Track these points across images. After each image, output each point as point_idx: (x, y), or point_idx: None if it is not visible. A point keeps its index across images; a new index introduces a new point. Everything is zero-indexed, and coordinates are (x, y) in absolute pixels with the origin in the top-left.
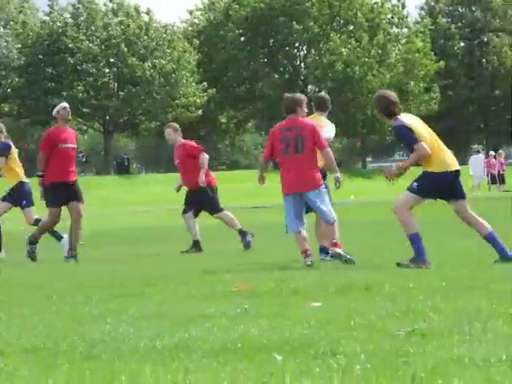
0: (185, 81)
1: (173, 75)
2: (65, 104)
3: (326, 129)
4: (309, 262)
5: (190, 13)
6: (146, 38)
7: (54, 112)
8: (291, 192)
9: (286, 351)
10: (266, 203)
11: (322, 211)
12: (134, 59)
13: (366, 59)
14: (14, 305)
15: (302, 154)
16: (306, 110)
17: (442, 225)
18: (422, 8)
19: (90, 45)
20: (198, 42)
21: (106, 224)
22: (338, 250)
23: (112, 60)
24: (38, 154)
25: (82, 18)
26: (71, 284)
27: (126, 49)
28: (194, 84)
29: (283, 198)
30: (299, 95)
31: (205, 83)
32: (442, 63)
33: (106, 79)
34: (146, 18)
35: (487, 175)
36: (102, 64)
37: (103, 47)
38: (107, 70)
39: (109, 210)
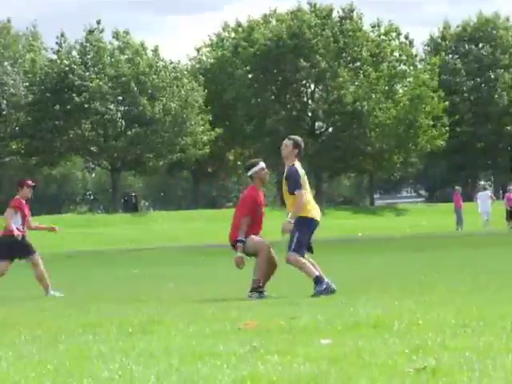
0: (193, 121)
1: (180, 114)
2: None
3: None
4: None
5: (198, 50)
6: (154, 76)
7: (252, 172)
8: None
9: None
10: (275, 238)
11: None
12: (144, 99)
13: (373, 94)
14: (22, 343)
15: None
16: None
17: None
18: (427, 44)
19: (100, 83)
20: (203, 79)
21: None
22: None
23: (120, 98)
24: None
25: (90, 56)
26: (79, 322)
27: (135, 88)
28: (201, 122)
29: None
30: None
31: (208, 122)
32: (446, 103)
33: (113, 117)
34: (151, 55)
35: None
36: (110, 102)
37: (112, 85)
38: (114, 108)
39: (116, 246)
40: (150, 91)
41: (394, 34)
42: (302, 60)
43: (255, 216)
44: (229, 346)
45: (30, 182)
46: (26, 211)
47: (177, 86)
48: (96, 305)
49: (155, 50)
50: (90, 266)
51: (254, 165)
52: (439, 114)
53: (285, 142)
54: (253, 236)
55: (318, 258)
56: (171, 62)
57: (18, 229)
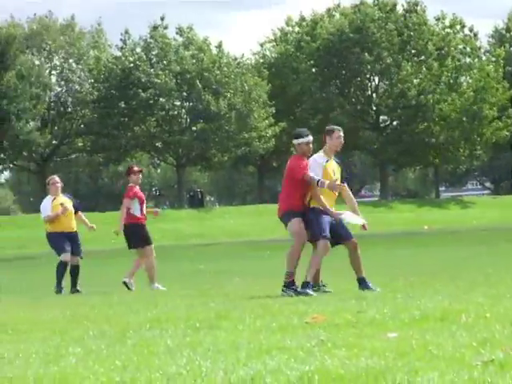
0: (257, 116)
1: (244, 109)
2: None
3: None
4: None
5: (261, 45)
6: (218, 72)
7: (298, 141)
8: None
9: (363, 382)
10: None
11: None
12: (209, 95)
13: (438, 87)
14: (90, 339)
15: None
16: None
17: None
18: (492, 36)
19: (166, 79)
20: (267, 73)
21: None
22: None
23: (185, 94)
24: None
25: (154, 53)
26: (146, 317)
27: (199, 84)
28: (265, 116)
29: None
30: None
31: (272, 116)
32: (511, 92)
33: (178, 113)
34: (215, 50)
35: None
36: (175, 98)
37: (176, 81)
38: (179, 104)
39: (182, 241)
40: (214, 87)
41: (458, 27)
42: (366, 54)
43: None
44: (296, 341)
45: (135, 168)
46: (143, 197)
47: (240, 81)
48: (163, 300)
49: (219, 46)
50: (157, 260)
51: (301, 135)
52: (504, 105)
53: (341, 133)
54: (299, 219)
55: (385, 252)
56: (235, 58)
57: (137, 216)
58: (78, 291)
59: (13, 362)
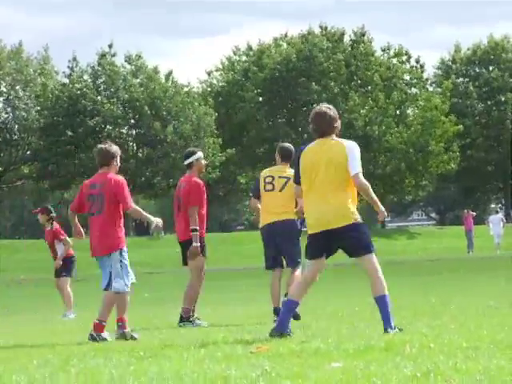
0: (206, 144)
1: (193, 137)
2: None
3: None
4: None
5: (209, 74)
6: (167, 101)
7: (192, 159)
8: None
9: None
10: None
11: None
12: (157, 123)
13: (384, 118)
14: (34, 367)
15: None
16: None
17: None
18: (438, 68)
19: (112, 107)
20: (213, 102)
21: None
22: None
23: (132, 121)
24: (191, 209)
25: (102, 80)
26: (90, 346)
27: (149, 112)
28: (212, 145)
29: None
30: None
31: (219, 145)
32: (460, 127)
33: (124, 140)
34: (164, 79)
35: None
36: (122, 126)
37: (124, 109)
38: (125, 131)
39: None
40: (163, 115)
41: (404, 58)
42: (313, 83)
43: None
44: (240, 370)
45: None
46: None
47: (189, 109)
48: (108, 328)
49: (169, 75)
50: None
51: (192, 153)
52: (451, 138)
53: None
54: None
55: (331, 281)
56: (183, 87)
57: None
58: None
59: None
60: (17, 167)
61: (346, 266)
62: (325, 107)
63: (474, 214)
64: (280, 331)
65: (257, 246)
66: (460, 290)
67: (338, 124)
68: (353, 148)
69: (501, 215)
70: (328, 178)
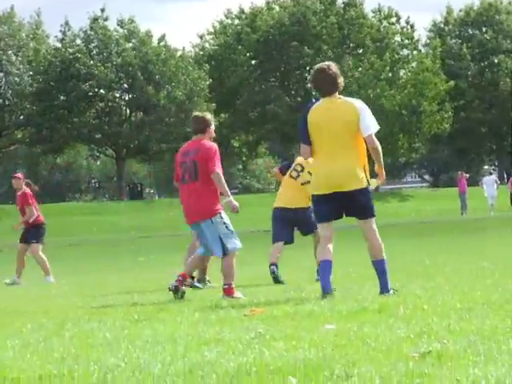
0: (199, 107)
1: (186, 102)
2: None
3: None
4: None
5: (201, 37)
6: (161, 65)
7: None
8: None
9: (300, 374)
10: None
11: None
12: (150, 87)
13: (378, 82)
14: (28, 331)
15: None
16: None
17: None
18: (430, 30)
19: (106, 71)
20: (208, 66)
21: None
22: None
23: (125, 86)
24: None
25: (94, 44)
26: (84, 310)
27: (141, 76)
28: (206, 109)
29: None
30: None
31: (213, 111)
32: (451, 83)
33: (118, 104)
34: (157, 43)
35: None
36: (115, 90)
37: (117, 73)
38: (118, 96)
39: (122, 234)
40: (156, 79)
41: (394, 19)
42: (306, 47)
43: None
44: (234, 333)
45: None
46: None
47: (182, 74)
48: (102, 293)
49: (161, 39)
50: (96, 254)
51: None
52: (444, 98)
53: None
54: None
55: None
56: (177, 51)
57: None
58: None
59: None
60: (10, 132)
61: (343, 228)
62: (325, 64)
63: (468, 175)
64: (328, 293)
65: (251, 210)
66: (454, 251)
67: (341, 81)
68: (364, 107)
69: (494, 176)
70: (338, 138)
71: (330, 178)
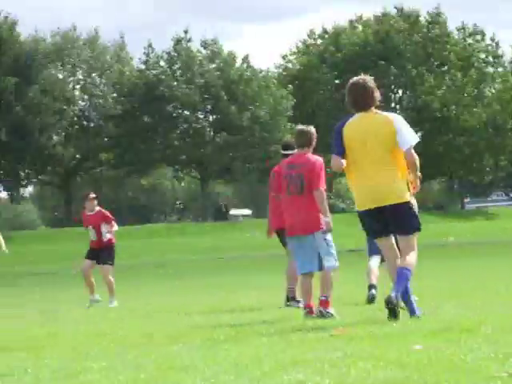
0: (282, 127)
1: (269, 122)
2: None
3: None
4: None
5: (284, 57)
6: (244, 85)
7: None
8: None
9: None
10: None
11: None
12: (234, 108)
13: (462, 98)
14: (113, 353)
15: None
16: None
17: None
18: None
19: (189, 92)
20: (292, 87)
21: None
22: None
23: (209, 107)
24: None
25: (178, 66)
26: (168, 332)
27: (225, 96)
28: (290, 129)
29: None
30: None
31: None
32: None
33: (202, 125)
34: (240, 63)
35: None
36: (199, 111)
37: (201, 94)
38: (202, 117)
39: (211, 255)
40: (240, 99)
41: (479, 37)
42: (391, 66)
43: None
44: (321, 353)
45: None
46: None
47: (266, 94)
48: (185, 314)
49: (245, 59)
50: (182, 274)
51: (292, 146)
52: None
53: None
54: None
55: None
56: (261, 71)
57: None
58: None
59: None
60: (95, 154)
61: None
62: (362, 78)
63: None
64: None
65: (334, 229)
66: None
67: (378, 95)
68: (401, 120)
69: None
70: (375, 153)
71: (371, 193)
